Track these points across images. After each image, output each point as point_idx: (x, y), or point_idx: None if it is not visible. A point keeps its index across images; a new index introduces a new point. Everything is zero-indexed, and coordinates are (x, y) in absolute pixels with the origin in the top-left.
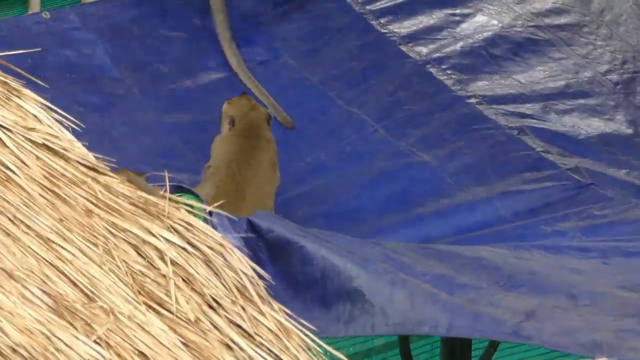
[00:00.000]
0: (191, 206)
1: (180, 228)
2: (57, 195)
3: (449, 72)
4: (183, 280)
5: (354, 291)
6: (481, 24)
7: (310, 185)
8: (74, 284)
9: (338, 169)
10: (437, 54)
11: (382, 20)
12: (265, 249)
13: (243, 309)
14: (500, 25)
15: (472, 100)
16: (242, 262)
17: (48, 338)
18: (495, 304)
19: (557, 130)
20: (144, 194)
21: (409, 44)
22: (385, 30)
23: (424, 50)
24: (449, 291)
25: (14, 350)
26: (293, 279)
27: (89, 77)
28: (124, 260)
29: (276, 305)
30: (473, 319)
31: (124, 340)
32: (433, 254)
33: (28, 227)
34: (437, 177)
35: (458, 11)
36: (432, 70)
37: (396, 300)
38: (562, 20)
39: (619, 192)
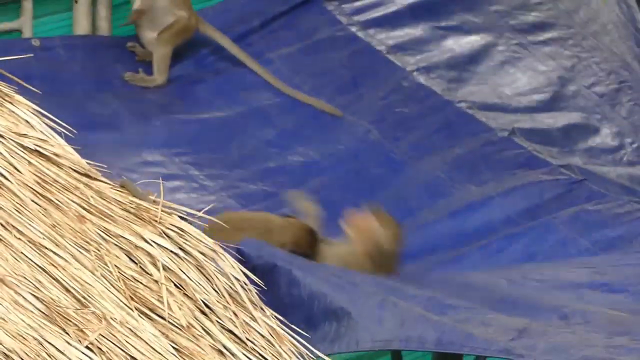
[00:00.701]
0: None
1: (172, 234)
2: (50, 201)
3: (437, 80)
4: (175, 285)
5: (341, 309)
6: (466, 40)
7: (305, 187)
8: (67, 290)
9: (331, 170)
10: (425, 64)
11: (369, 31)
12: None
13: (235, 314)
14: (484, 42)
15: (462, 104)
16: (234, 268)
17: (40, 343)
18: (487, 323)
19: (545, 135)
20: (136, 200)
21: (397, 54)
22: (372, 40)
23: (411, 60)
24: (441, 311)
25: (6, 356)
26: (280, 302)
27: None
28: (116, 266)
29: (268, 311)
30: (464, 337)
31: (116, 345)
32: (424, 282)
33: (20, 232)
34: (432, 177)
35: (443, 24)
36: (421, 77)
37: (384, 318)
38: (546, 35)
39: (611, 188)
